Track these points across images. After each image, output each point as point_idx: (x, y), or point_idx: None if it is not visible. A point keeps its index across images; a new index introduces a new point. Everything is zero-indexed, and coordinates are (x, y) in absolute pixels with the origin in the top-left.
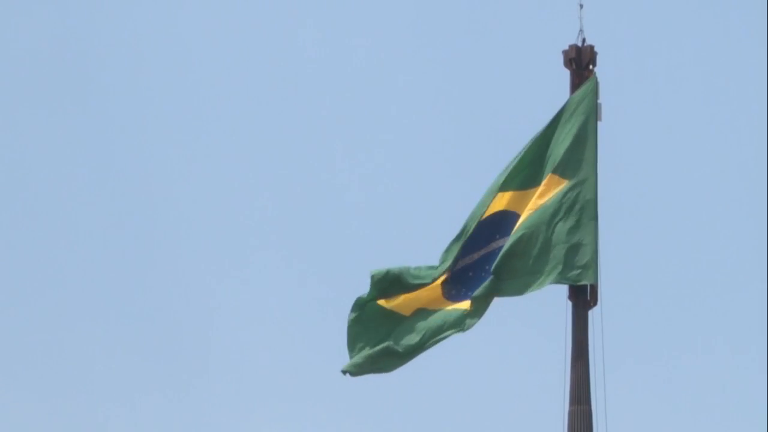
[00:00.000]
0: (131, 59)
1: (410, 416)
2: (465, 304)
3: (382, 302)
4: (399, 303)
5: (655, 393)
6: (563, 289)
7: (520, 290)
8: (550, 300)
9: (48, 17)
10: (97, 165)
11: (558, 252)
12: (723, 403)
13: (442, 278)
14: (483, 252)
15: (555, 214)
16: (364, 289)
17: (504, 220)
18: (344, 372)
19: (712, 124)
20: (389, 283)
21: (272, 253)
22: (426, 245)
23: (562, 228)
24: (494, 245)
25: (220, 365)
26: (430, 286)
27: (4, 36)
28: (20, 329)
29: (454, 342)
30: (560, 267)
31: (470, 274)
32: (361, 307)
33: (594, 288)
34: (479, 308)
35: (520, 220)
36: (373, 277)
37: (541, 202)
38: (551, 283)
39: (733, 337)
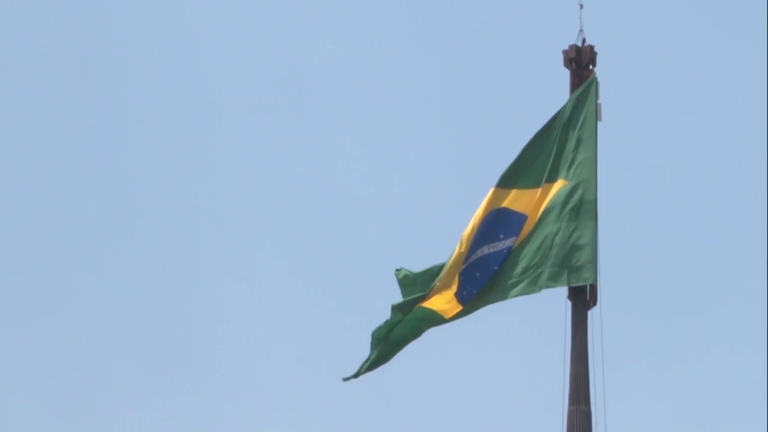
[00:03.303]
0: (140, 64)
1: (411, 416)
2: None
3: (424, 304)
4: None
5: (653, 393)
6: (563, 289)
7: (516, 293)
8: (549, 300)
9: (60, 20)
10: (106, 169)
11: (557, 254)
12: (722, 403)
13: (456, 282)
14: (489, 251)
15: (555, 216)
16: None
17: (507, 218)
18: (351, 377)
19: (712, 124)
20: (416, 284)
21: (281, 258)
22: (429, 243)
23: (561, 230)
24: (500, 245)
25: (228, 369)
26: (445, 292)
27: (18, 39)
28: (30, 333)
29: (454, 341)
30: (557, 269)
31: (477, 274)
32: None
33: (593, 288)
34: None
35: (528, 230)
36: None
37: (541, 210)
38: (548, 287)
39: (732, 337)
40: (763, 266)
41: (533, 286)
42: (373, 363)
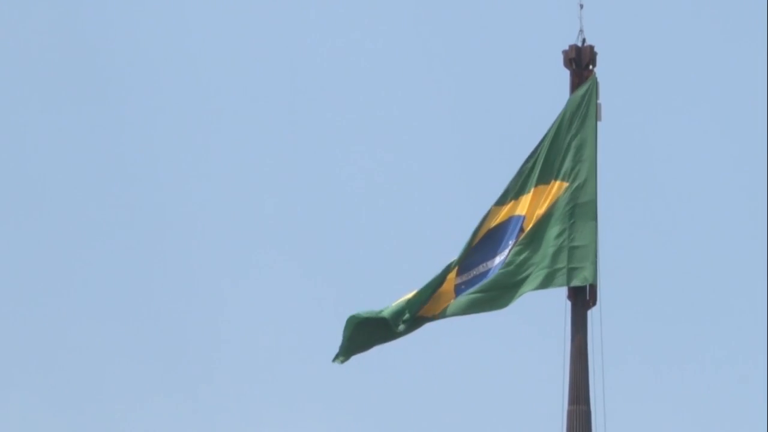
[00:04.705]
0: (140, 62)
1: (410, 415)
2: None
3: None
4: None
5: (653, 393)
6: (562, 289)
7: (516, 295)
8: (549, 300)
9: (59, 17)
10: (104, 167)
11: (557, 255)
12: (722, 403)
13: (453, 279)
14: (499, 260)
15: (554, 217)
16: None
17: (512, 225)
18: (340, 360)
19: (712, 124)
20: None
21: (279, 256)
22: (428, 241)
23: (561, 231)
24: (507, 251)
25: (227, 368)
26: (441, 290)
27: (17, 36)
28: (28, 332)
29: (453, 341)
30: (557, 270)
31: (483, 280)
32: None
33: (593, 288)
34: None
35: (526, 229)
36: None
37: (542, 211)
38: (548, 287)
39: (731, 337)
40: (763, 266)
41: (533, 286)
42: (350, 343)
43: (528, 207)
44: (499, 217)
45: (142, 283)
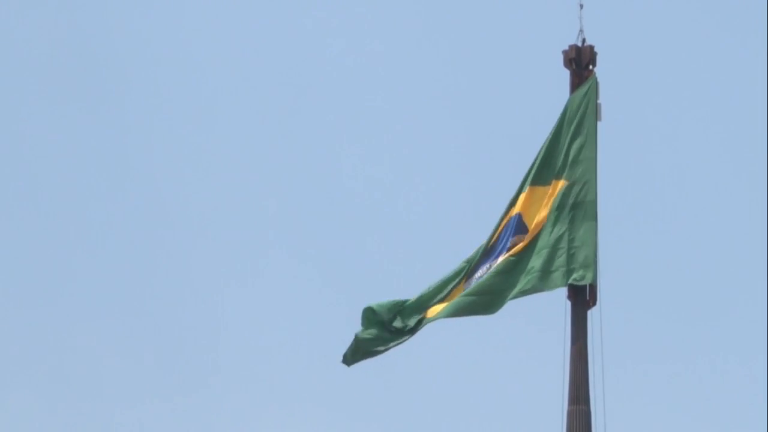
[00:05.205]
0: (141, 63)
1: (411, 415)
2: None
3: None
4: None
5: (653, 392)
6: (563, 289)
7: (515, 295)
8: (549, 300)
9: (61, 19)
10: (105, 167)
11: (556, 255)
12: (722, 403)
13: (462, 286)
14: (501, 259)
15: (556, 218)
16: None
17: (509, 225)
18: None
19: (712, 123)
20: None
21: (280, 257)
22: (429, 241)
23: (561, 231)
24: (505, 253)
25: (227, 369)
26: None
27: (18, 37)
28: (28, 333)
29: (454, 341)
30: (557, 270)
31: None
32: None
33: (593, 288)
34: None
35: (525, 227)
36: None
37: (542, 217)
38: (549, 288)
39: (731, 337)
40: (764, 266)
41: (534, 287)
42: (363, 343)
43: (523, 205)
44: (505, 222)
45: (143, 283)
